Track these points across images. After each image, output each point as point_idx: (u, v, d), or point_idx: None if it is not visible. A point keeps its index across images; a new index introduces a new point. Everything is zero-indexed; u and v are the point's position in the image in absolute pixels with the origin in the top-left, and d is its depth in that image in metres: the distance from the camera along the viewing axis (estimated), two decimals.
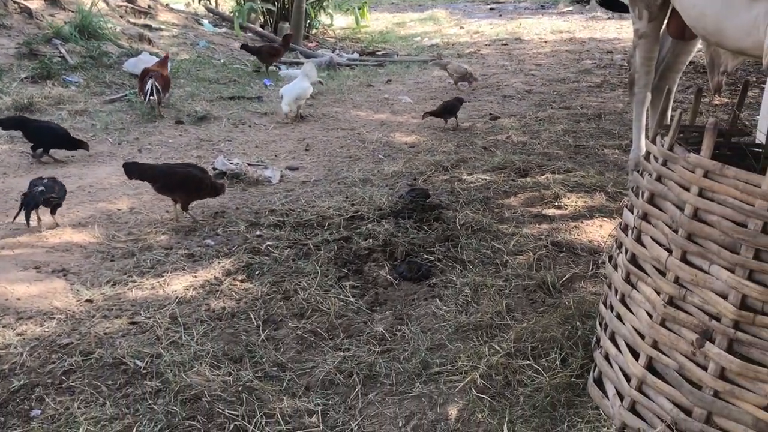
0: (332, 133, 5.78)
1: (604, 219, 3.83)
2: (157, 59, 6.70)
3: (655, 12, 3.91)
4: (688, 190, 1.98)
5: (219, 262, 3.36)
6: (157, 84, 5.83)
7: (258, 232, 3.70)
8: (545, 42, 10.27)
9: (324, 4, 10.94)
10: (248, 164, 4.72)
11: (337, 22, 11.61)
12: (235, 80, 7.60)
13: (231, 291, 3.10)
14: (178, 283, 3.18)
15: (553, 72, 8.17)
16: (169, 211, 3.99)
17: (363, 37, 11.19)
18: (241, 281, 3.19)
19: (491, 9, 13.85)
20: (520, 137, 5.46)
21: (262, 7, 10.47)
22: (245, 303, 3.00)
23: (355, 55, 9.64)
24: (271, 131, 5.83)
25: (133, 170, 3.81)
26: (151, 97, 5.82)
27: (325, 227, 3.72)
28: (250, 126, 5.94)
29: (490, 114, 6.23)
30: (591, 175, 4.45)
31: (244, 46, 8.39)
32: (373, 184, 4.45)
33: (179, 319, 2.86)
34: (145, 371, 2.49)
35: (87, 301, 3.00)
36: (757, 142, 2.77)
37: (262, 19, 10.70)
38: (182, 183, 3.80)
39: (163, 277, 3.23)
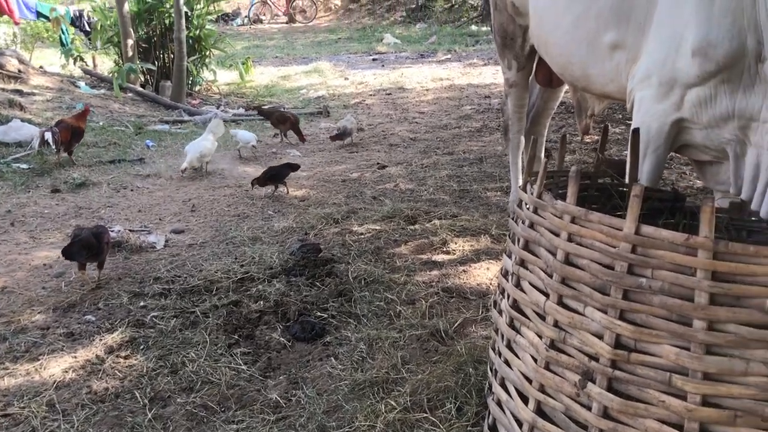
0: (219, 191, 5.68)
1: (491, 261, 3.93)
2: (29, 125, 6.44)
3: (523, 62, 4.14)
4: (558, 235, 2.06)
5: (101, 339, 3.18)
6: (55, 137, 5.96)
7: (142, 303, 3.54)
8: (427, 90, 10.60)
9: (206, 60, 10.85)
10: (130, 230, 4.54)
11: (221, 77, 11.53)
12: (116, 143, 7.35)
13: (114, 369, 2.93)
14: (56, 366, 2.98)
15: (436, 119, 8.42)
16: (46, 287, 3.77)
17: (248, 92, 11.16)
18: (125, 358, 3.03)
19: (374, 60, 14.18)
20: (408, 185, 5.57)
21: (141, 67, 10.25)
22: (130, 381, 2.84)
23: (241, 111, 9.58)
24: (154, 194, 5.65)
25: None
26: (40, 147, 5.92)
27: (213, 292, 3.61)
28: (132, 190, 5.74)
29: (378, 163, 6.33)
30: (476, 218, 4.57)
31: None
32: (263, 242, 4.38)
33: (57, 405, 2.67)
34: None
35: None
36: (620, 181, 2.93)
37: (143, 79, 10.47)
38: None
39: (39, 360, 3.02)
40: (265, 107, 8.73)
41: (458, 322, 3.21)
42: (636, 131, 2.71)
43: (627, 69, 2.87)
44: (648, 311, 1.82)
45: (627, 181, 2.82)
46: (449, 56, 14.23)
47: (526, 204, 2.31)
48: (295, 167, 5.58)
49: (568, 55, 3.20)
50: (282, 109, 8.72)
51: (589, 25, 2.99)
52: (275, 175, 5.41)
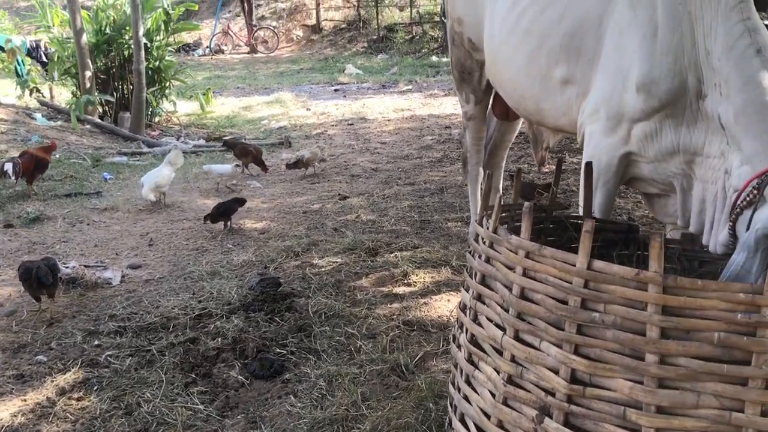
0: (178, 224, 5.60)
1: (452, 293, 3.94)
2: None
3: (481, 96, 4.21)
4: (513, 270, 2.07)
5: (52, 381, 3.09)
6: (16, 168, 6.03)
7: (96, 342, 3.46)
8: (388, 120, 10.67)
9: (166, 91, 10.77)
10: (85, 266, 4.45)
11: (181, 108, 11.45)
12: (72, 176, 7.23)
13: (66, 412, 2.85)
14: (5, 410, 2.88)
15: (397, 149, 8.48)
16: None
17: (209, 123, 11.09)
18: (78, 399, 2.95)
19: (336, 90, 14.25)
20: (369, 216, 5.57)
21: (100, 98, 10.14)
22: (82, 424, 2.76)
23: (202, 142, 9.52)
24: (111, 228, 5.55)
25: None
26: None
27: (170, 329, 3.54)
28: (88, 224, 5.64)
29: (340, 194, 6.33)
30: (436, 249, 4.59)
31: None
32: (221, 276, 4.33)
33: None
34: None
35: None
36: (575, 214, 2.98)
37: (101, 110, 10.35)
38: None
39: None
40: (227, 138, 8.69)
41: (419, 356, 3.20)
42: (588, 164, 2.76)
43: (578, 103, 2.94)
44: (602, 345, 1.84)
45: (581, 212, 2.87)
46: (410, 87, 14.38)
47: (482, 238, 2.33)
48: (242, 202, 5.52)
49: (522, 90, 3.26)
50: (244, 141, 8.70)
51: (541, 61, 3.06)
52: (226, 210, 5.34)
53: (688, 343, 1.72)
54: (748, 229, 2.14)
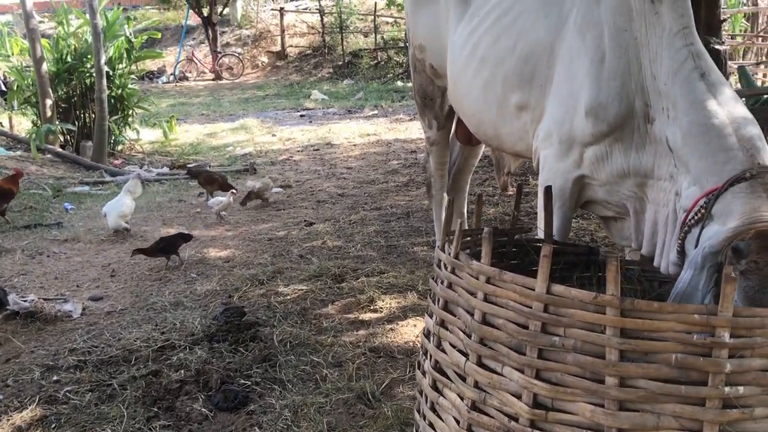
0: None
1: (418, 318, 3.93)
2: None
3: (443, 121, 4.25)
4: (475, 295, 2.08)
5: (8, 419, 2.99)
6: None
7: (55, 377, 3.37)
8: (354, 145, 10.71)
9: (129, 120, 10.67)
10: (44, 299, 4.34)
11: (145, 136, 11.35)
12: (32, 207, 7.09)
13: None
14: None
15: (363, 174, 8.50)
16: None
17: (173, 150, 11.01)
18: None
19: (301, 116, 14.28)
20: (335, 242, 5.55)
21: (61, 127, 10.00)
22: None
23: (165, 170, 9.43)
24: (72, 259, 5.45)
25: None
26: None
27: (132, 362, 3.47)
28: (48, 256, 5.52)
29: (305, 220, 6.30)
30: (403, 274, 4.59)
31: None
32: (185, 306, 4.27)
33: None
34: None
35: None
36: (536, 237, 3.01)
37: (62, 139, 10.20)
38: None
39: None
40: (191, 166, 8.62)
41: (385, 383, 3.18)
42: (548, 188, 2.79)
43: (533, 128, 2.99)
44: (563, 369, 1.85)
45: (541, 236, 2.90)
46: (376, 112, 14.48)
47: (444, 264, 2.34)
48: (187, 237, 5.30)
49: (480, 116, 3.31)
50: (208, 168, 8.64)
51: (497, 88, 3.11)
52: (167, 246, 5.11)
53: (647, 365, 1.74)
54: (696, 247, 2.18)
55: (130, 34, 10.49)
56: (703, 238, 2.17)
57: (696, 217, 2.25)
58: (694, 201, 2.28)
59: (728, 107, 2.35)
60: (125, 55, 10.43)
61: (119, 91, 10.34)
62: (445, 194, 4.43)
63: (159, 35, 11.68)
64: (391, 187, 7.73)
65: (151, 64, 21.43)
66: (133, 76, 11.22)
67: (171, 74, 22.36)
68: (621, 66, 2.58)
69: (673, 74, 2.42)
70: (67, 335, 3.92)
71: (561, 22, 2.86)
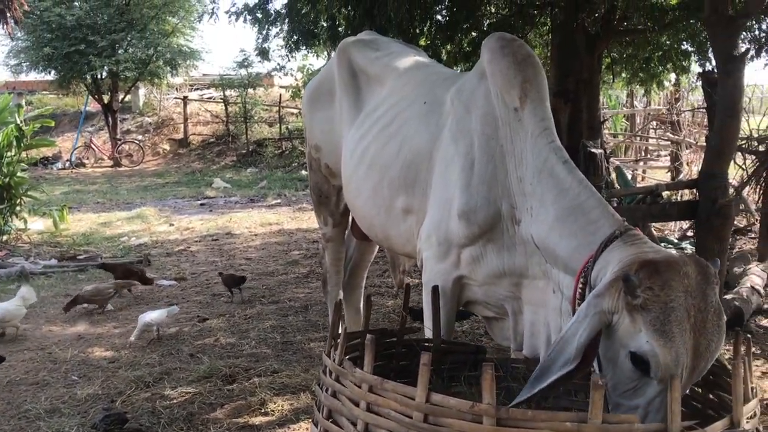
0: (16, 356, 5.14)
1: (311, 421, 3.82)
2: None
3: (339, 219, 4.30)
4: (358, 405, 2.05)
5: None
6: None
7: None
8: (255, 235, 10.60)
9: (17, 209, 10.17)
10: None
11: (34, 225, 10.80)
12: None
13: None
14: None
15: (263, 265, 8.39)
16: None
17: (64, 241, 10.51)
18: None
19: (202, 204, 14.06)
20: (229, 338, 5.39)
21: None
22: None
23: (53, 261, 8.95)
24: None
25: None
26: None
27: None
28: None
29: (198, 316, 6.10)
30: (297, 373, 4.48)
31: None
32: (62, 413, 3.98)
33: None
34: None
35: None
36: (425, 337, 3.03)
37: None
38: None
39: None
40: (106, 262, 8.25)
41: None
42: (435, 288, 2.84)
43: (417, 231, 3.08)
44: None
45: (429, 336, 2.92)
46: (279, 200, 14.48)
47: (329, 370, 2.30)
48: (1, 359, 4.76)
49: (371, 217, 3.38)
50: (100, 260, 8.29)
51: (384, 192, 3.21)
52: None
53: None
54: None
55: (21, 122, 10.15)
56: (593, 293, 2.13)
57: (579, 293, 2.27)
58: (575, 284, 2.32)
59: (588, 186, 2.50)
60: (15, 143, 10.04)
61: (7, 180, 9.88)
62: (340, 290, 4.43)
63: (53, 123, 11.33)
64: (290, 278, 7.66)
65: (46, 150, 20.71)
66: (23, 164, 10.78)
67: (67, 160, 21.66)
68: (488, 172, 2.75)
69: (539, 172, 2.58)
70: None
71: (439, 130, 3.03)
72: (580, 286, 2.25)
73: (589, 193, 2.46)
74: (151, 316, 5.42)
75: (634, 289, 1.95)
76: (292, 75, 17.29)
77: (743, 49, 5.20)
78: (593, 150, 4.38)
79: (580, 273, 2.28)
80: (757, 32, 7.47)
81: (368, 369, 2.06)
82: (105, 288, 6.45)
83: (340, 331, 2.41)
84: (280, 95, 22.76)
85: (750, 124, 8.57)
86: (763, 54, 7.40)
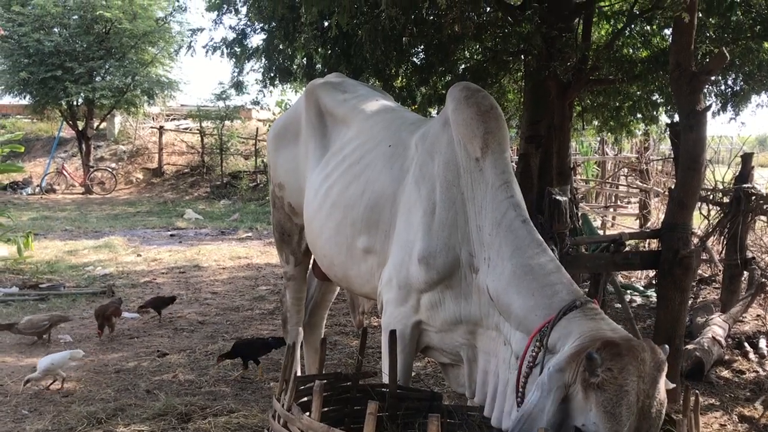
0: None
1: None
2: None
3: (300, 257, 4.28)
4: None
5: None
6: None
7: None
8: (223, 269, 10.50)
9: None
10: None
11: None
12: None
13: None
14: None
15: (229, 300, 8.29)
16: None
17: (27, 268, 10.31)
18: None
19: (172, 236, 13.91)
20: (188, 375, 5.29)
21: None
22: None
23: (14, 290, 8.77)
24: None
25: None
26: None
27: None
28: None
29: (159, 350, 5.99)
30: (254, 413, 4.40)
31: None
32: None
33: None
34: None
35: None
36: (383, 382, 3.00)
37: None
38: None
39: None
40: (43, 285, 8.09)
41: None
42: (392, 333, 2.83)
43: (378, 272, 3.08)
44: None
45: (385, 380, 2.89)
46: (250, 234, 14.38)
47: (278, 415, 2.27)
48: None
49: (331, 257, 3.37)
50: (63, 289, 8.13)
51: (346, 232, 3.21)
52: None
53: None
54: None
55: None
56: (547, 365, 2.18)
57: (533, 355, 2.29)
58: (527, 344, 2.34)
59: (546, 249, 2.53)
60: None
61: None
62: (300, 329, 4.38)
63: (22, 149, 11.15)
64: (255, 314, 7.57)
65: (16, 175, 20.42)
66: None
67: (37, 186, 21.38)
68: (449, 218, 2.76)
69: (497, 224, 2.60)
70: None
71: (403, 173, 3.05)
72: (535, 348, 2.28)
73: (548, 257, 2.49)
74: (53, 358, 4.93)
75: (595, 368, 1.99)
76: (269, 109, 17.36)
77: (707, 104, 5.32)
78: (557, 197, 4.41)
79: (534, 334, 2.31)
80: (723, 87, 7.67)
81: (316, 416, 2.03)
82: (39, 320, 6.26)
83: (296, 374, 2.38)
84: (257, 128, 22.81)
85: (715, 176, 8.74)
86: (729, 108, 7.60)
